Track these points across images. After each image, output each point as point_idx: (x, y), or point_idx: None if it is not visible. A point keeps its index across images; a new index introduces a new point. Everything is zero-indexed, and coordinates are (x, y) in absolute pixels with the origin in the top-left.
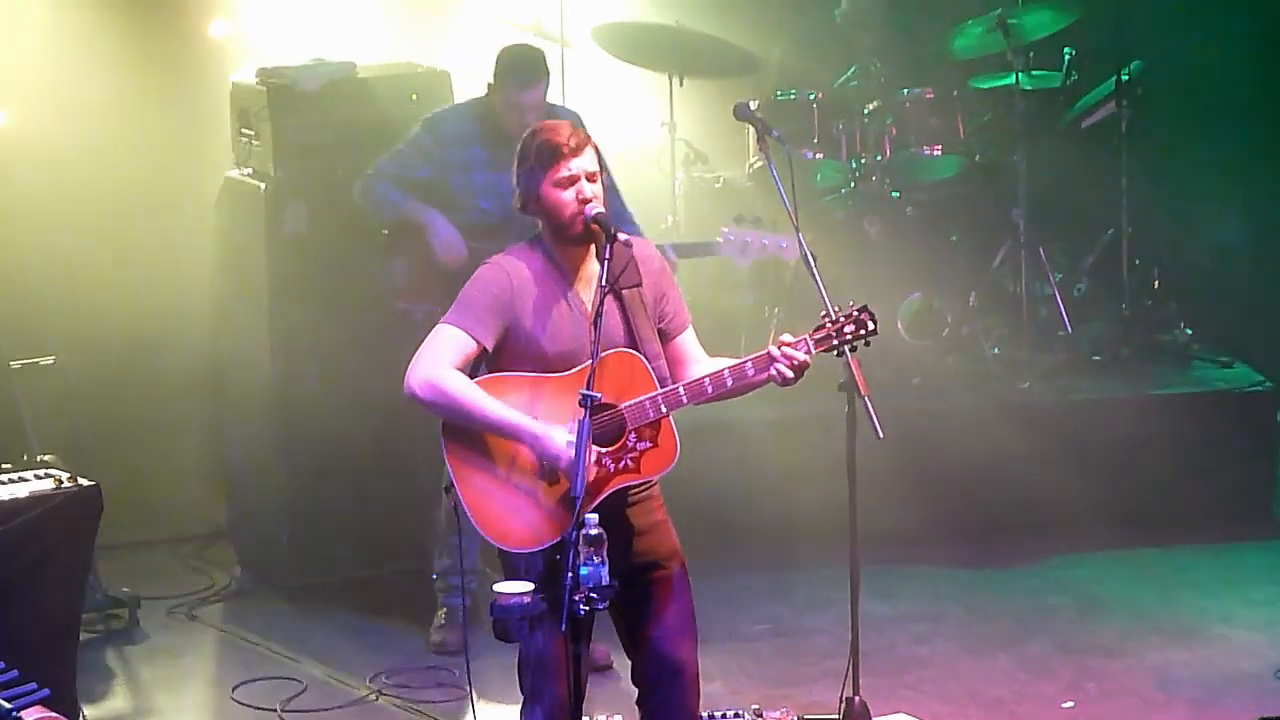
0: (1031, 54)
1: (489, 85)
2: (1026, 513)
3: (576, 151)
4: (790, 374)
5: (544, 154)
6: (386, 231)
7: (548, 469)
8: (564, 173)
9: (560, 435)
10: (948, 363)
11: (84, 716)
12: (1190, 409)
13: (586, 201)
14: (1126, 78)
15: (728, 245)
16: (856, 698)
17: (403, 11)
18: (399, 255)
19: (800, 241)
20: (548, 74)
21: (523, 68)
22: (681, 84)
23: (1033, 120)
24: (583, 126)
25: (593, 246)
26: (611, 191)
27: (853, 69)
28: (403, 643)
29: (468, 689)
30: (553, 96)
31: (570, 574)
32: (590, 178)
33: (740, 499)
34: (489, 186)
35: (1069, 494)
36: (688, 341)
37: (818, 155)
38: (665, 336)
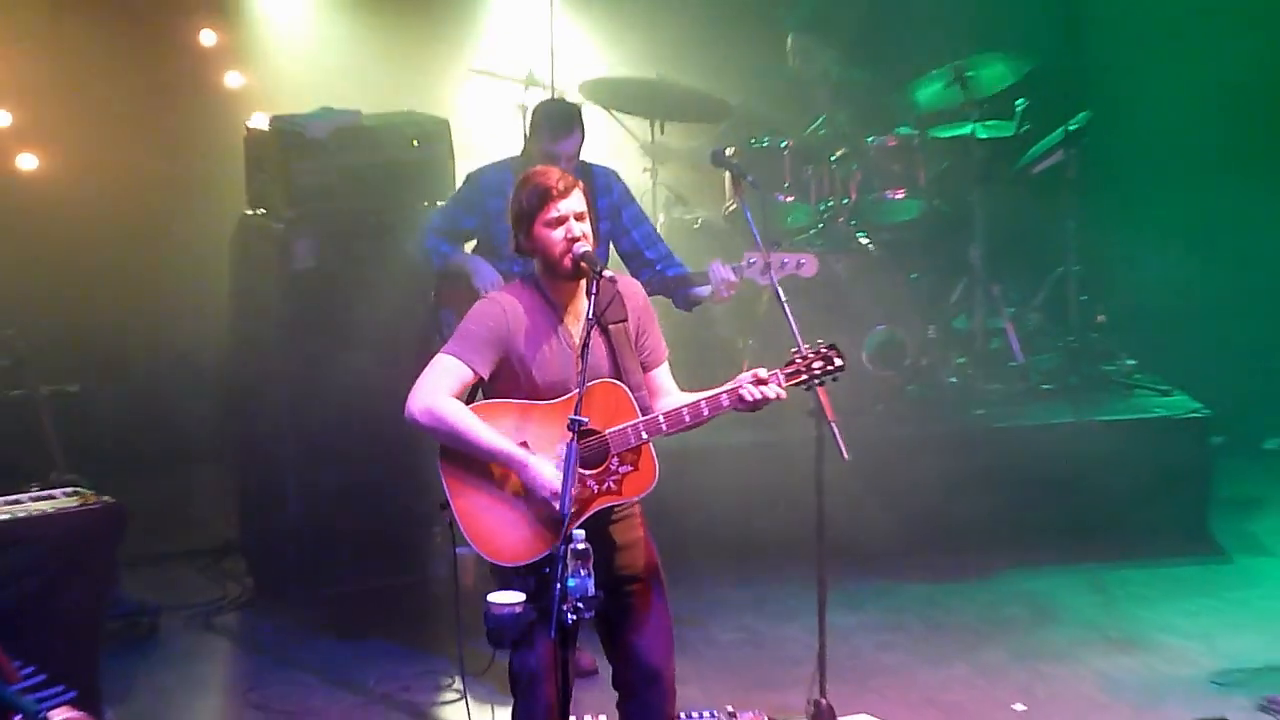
0: (986, 105)
1: (525, 138)
2: (981, 530)
3: (565, 194)
4: (755, 405)
5: (535, 196)
6: (434, 293)
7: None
8: (554, 213)
9: (545, 465)
10: (909, 391)
11: (108, 716)
12: (1132, 434)
13: (575, 240)
14: (1074, 128)
15: (750, 268)
16: (823, 701)
17: (404, 63)
18: (448, 305)
19: (772, 278)
20: (582, 127)
21: (557, 120)
22: (663, 132)
23: (987, 167)
24: (620, 182)
25: (582, 283)
26: (653, 235)
27: (821, 119)
28: (402, 648)
29: (463, 692)
30: None
31: (559, 585)
32: (579, 218)
33: (717, 516)
34: None
35: (1021, 512)
36: (662, 375)
37: (789, 198)
38: (643, 368)
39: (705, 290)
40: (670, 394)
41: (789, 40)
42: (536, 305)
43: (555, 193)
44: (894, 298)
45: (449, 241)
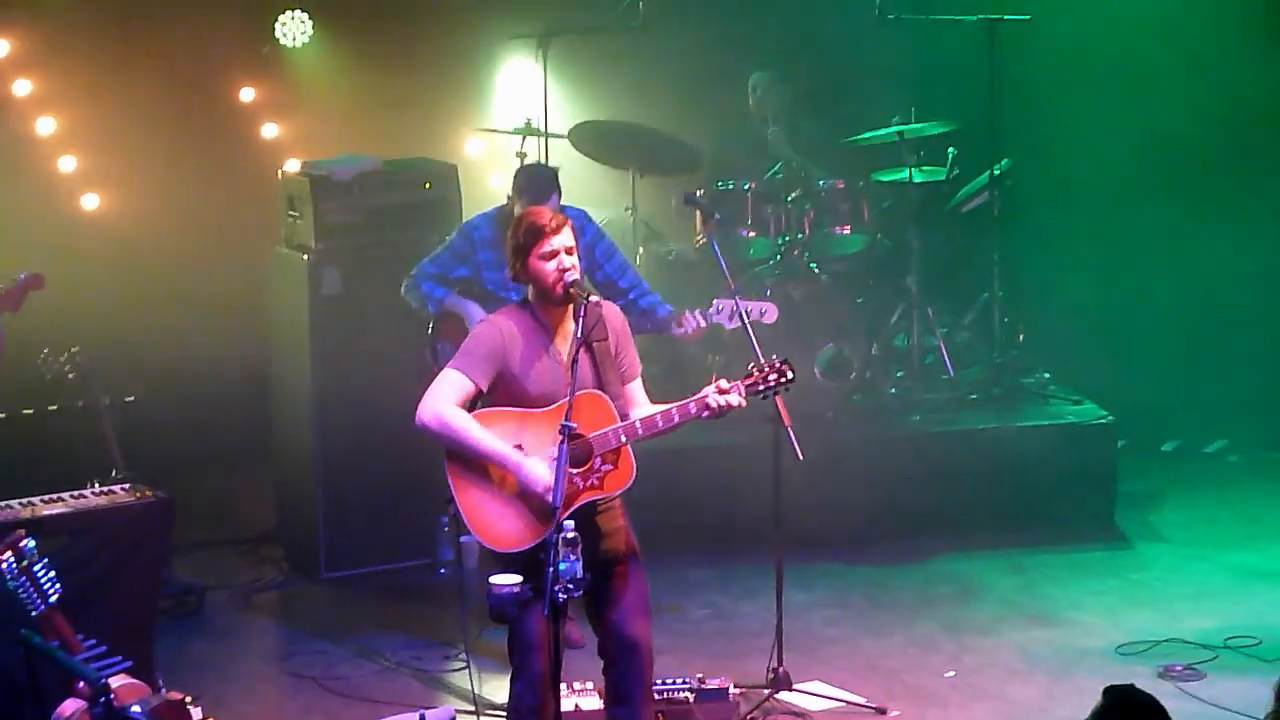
0: (922, 153)
1: (509, 196)
2: (917, 520)
3: (557, 230)
4: (719, 412)
5: (530, 233)
6: (431, 327)
7: (527, 488)
8: (547, 248)
9: (537, 465)
10: (855, 400)
11: (160, 684)
12: (1048, 437)
13: (565, 271)
14: (998, 172)
15: (718, 314)
16: (781, 669)
17: (418, 116)
18: (445, 339)
19: (736, 302)
20: (558, 189)
21: (537, 185)
22: (641, 176)
23: (923, 207)
24: (591, 223)
25: (570, 307)
26: (624, 265)
27: (779, 165)
28: (418, 623)
29: (468, 661)
30: None
31: (551, 569)
32: (568, 251)
33: (689, 507)
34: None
35: (951, 505)
36: (636, 388)
37: (751, 233)
38: (621, 381)
39: (679, 331)
40: (644, 404)
41: (751, 78)
42: (529, 326)
43: (548, 230)
44: (842, 319)
45: (442, 286)
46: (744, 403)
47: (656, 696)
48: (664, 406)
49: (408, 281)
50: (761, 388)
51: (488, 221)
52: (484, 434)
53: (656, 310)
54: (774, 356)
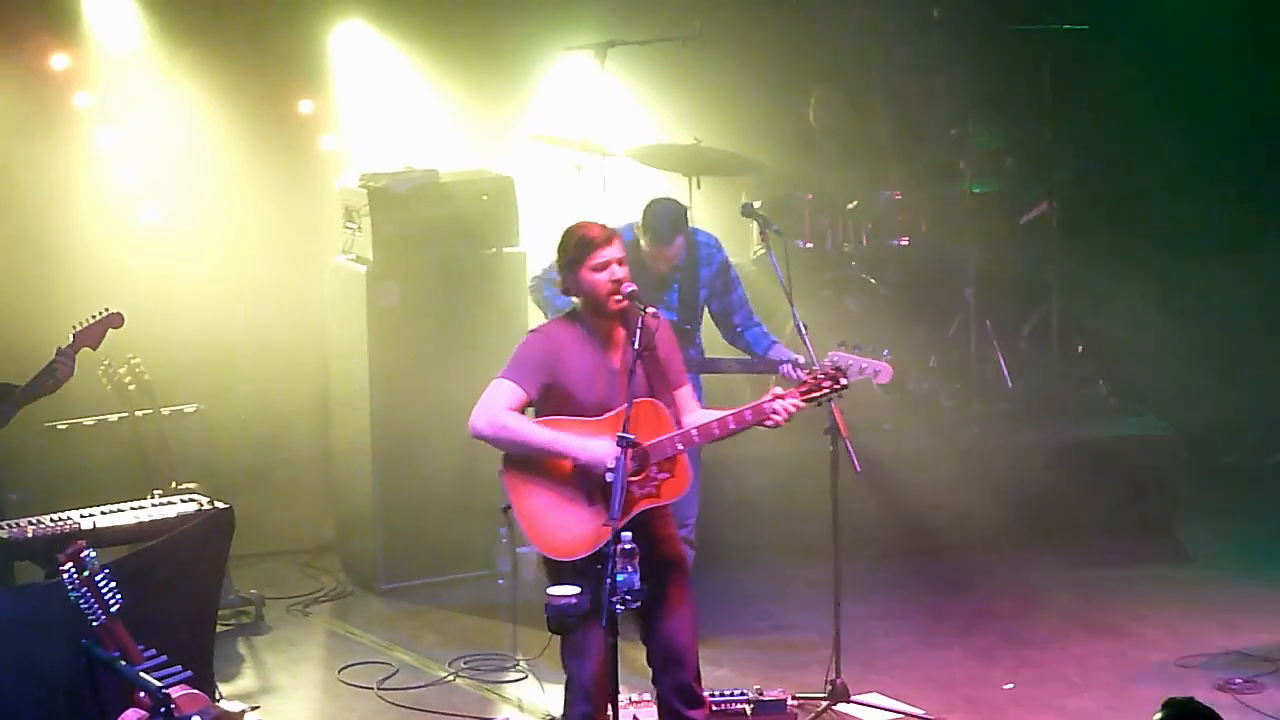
0: (980, 164)
1: (638, 226)
2: (975, 531)
3: (608, 242)
4: (781, 420)
5: (582, 246)
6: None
7: (585, 489)
8: (599, 259)
9: (602, 446)
10: (912, 412)
11: (220, 693)
12: (1107, 449)
13: (620, 282)
14: (1056, 183)
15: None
16: (839, 680)
17: (477, 127)
18: None
19: (794, 313)
20: (685, 229)
21: (661, 227)
22: (699, 187)
23: (981, 218)
24: (720, 252)
25: (619, 318)
26: (742, 299)
27: (837, 176)
28: (476, 634)
29: (526, 671)
30: (594, 201)
31: (609, 580)
32: (620, 263)
33: (747, 519)
34: None
35: (1010, 517)
36: (685, 394)
37: (808, 245)
38: (671, 388)
39: (787, 372)
40: (694, 410)
41: (814, 92)
42: (579, 337)
43: (599, 241)
44: (899, 331)
45: (563, 295)
46: (802, 405)
47: (714, 708)
48: (719, 413)
49: (533, 282)
50: (817, 394)
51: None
52: (539, 428)
53: (757, 344)
54: (829, 364)
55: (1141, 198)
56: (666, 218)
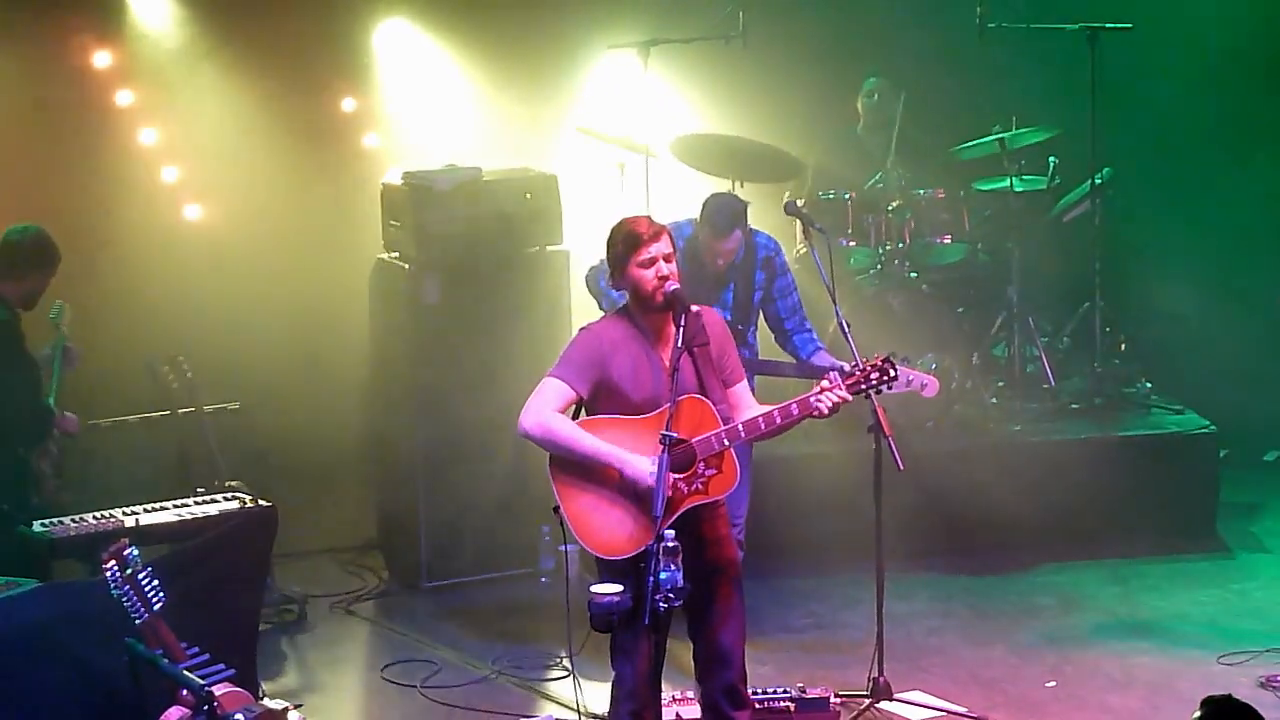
0: (1023, 162)
1: (696, 220)
2: (1017, 530)
3: (656, 238)
4: (827, 412)
5: (629, 241)
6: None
7: (632, 491)
8: (645, 255)
9: (643, 462)
10: (955, 410)
11: (263, 691)
12: (1150, 447)
13: (665, 278)
14: (1099, 181)
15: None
16: (881, 678)
17: (519, 125)
18: None
19: (837, 311)
20: (743, 224)
21: (720, 221)
22: (741, 185)
23: (1024, 216)
24: (780, 255)
25: (670, 313)
26: (795, 305)
27: (879, 174)
28: (518, 632)
29: (571, 670)
30: (637, 200)
31: (652, 578)
32: (667, 259)
33: (790, 517)
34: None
35: (1051, 515)
36: (742, 391)
37: (851, 243)
38: (725, 385)
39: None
40: (750, 407)
41: (866, 83)
42: (629, 334)
43: (646, 237)
44: (942, 329)
45: (613, 289)
46: (848, 398)
47: (757, 706)
48: (768, 408)
49: (590, 273)
50: (864, 386)
51: (675, 229)
52: (586, 436)
53: (803, 349)
54: (875, 355)
55: (1184, 195)
56: (725, 210)
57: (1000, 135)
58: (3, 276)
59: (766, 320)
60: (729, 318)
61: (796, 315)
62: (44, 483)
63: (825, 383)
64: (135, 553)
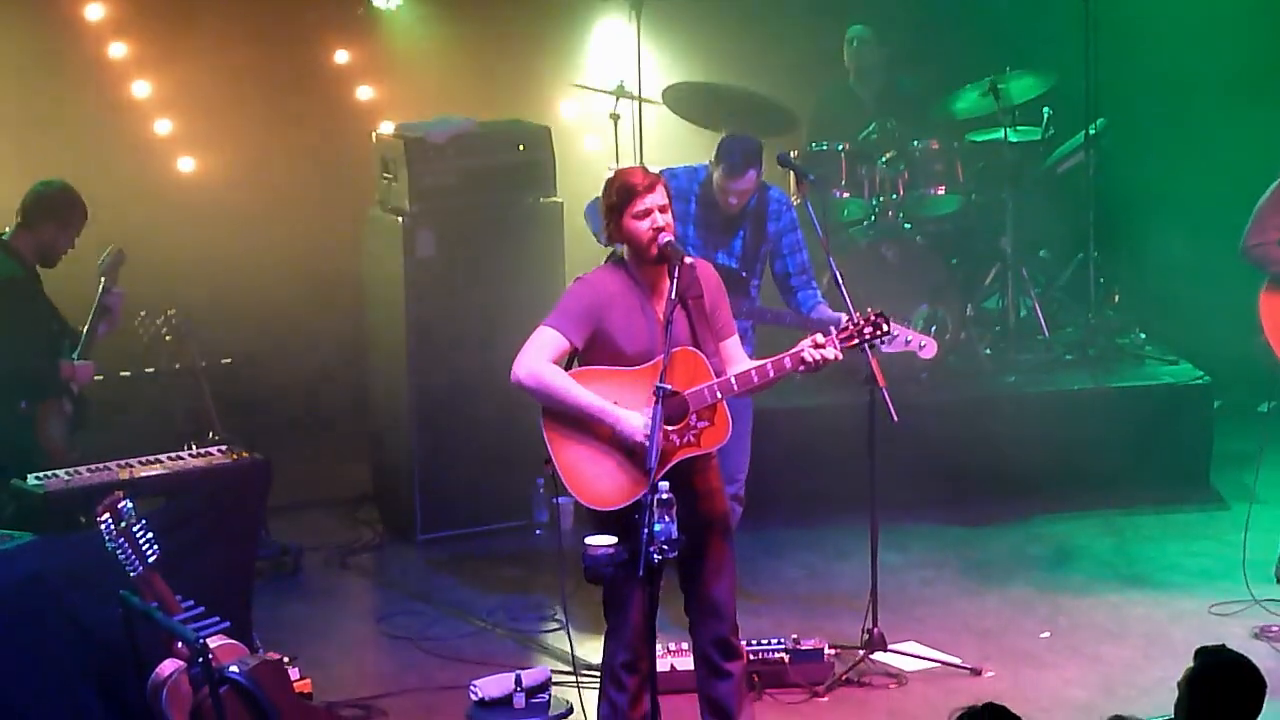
0: (1016, 113)
1: (711, 160)
2: (1011, 481)
3: (650, 189)
4: (817, 365)
5: (624, 192)
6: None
7: (625, 444)
8: (640, 206)
9: (635, 419)
10: (949, 361)
11: (258, 644)
12: (1144, 398)
13: (660, 230)
14: (1094, 132)
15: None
16: (875, 629)
17: (512, 77)
18: None
19: (831, 264)
20: (758, 164)
21: (735, 158)
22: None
23: (1018, 167)
24: (790, 211)
25: (665, 266)
26: (803, 264)
27: (872, 125)
28: (513, 584)
29: (564, 621)
30: (626, 149)
31: (646, 530)
32: (662, 210)
33: (784, 469)
34: (697, 239)
35: (1045, 466)
36: (733, 345)
37: (845, 195)
38: (717, 338)
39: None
40: (740, 361)
41: (848, 31)
42: (625, 285)
43: (641, 188)
44: (936, 280)
45: (606, 242)
46: (840, 355)
47: (751, 657)
48: (759, 361)
49: (589, 209)
50: (856, 340)
51: (688, 173)
52: (579, 389)
53: (805, 304)
54: (869, 308)
55: (1179, 146)
56: (740, 148)
57: (995, 86)
58: (20, 227)
59: (773, 274)
60: (734, 265)
61: (804, 274)
62: (51, 441)
63: (818, 336)
64: (130, 506)
